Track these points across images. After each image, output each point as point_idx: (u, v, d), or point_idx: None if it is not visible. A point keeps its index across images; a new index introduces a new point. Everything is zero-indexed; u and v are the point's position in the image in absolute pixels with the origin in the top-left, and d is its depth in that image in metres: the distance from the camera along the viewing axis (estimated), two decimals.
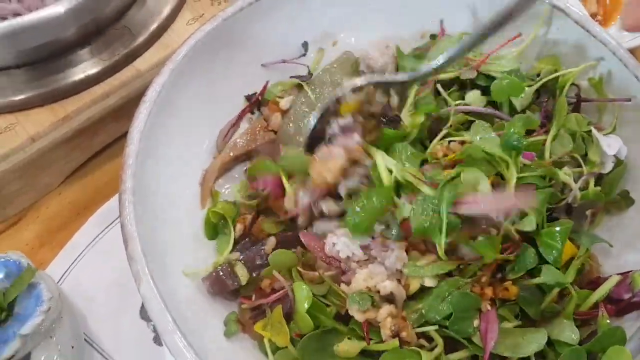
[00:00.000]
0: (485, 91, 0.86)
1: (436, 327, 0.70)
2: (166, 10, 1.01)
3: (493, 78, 0.85)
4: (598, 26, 0.84)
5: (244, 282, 0.76)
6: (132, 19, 0.99)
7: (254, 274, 0.77)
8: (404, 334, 0.69)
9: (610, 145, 0.80)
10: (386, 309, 0.70)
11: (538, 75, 0.87)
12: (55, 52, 0.93)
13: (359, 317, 0.69)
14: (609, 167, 0.81)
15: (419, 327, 0.71)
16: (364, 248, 0.73)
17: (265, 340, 0.73)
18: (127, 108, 0.94)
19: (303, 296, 0.71)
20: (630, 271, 0.74)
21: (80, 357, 0.79)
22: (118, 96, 0.96)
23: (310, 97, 0.91)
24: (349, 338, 0.71)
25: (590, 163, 0.81)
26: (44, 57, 0.93)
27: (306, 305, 0.70)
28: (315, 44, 0.99)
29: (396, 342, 0.69)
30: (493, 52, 0.88)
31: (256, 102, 0.94)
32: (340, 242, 0.73)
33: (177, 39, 1.00)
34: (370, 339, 0.70)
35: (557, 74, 0.85)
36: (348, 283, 0.73)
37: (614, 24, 1.16)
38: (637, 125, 0.82)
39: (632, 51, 0.87)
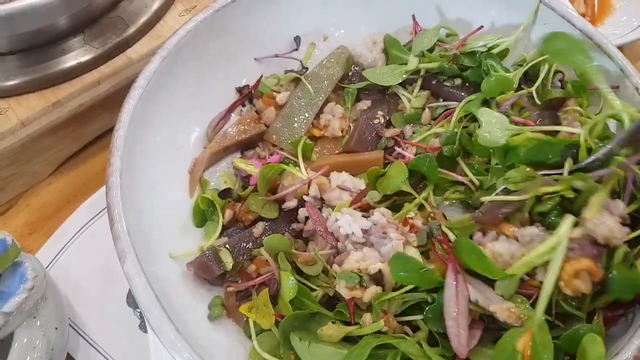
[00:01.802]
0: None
1: (421, 316, 0.69)
2: (159, 1, 1.02)
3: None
4: (582, 19, 0.85)
5: (229, 268, 0.76)
6: (125, 9, 1.00)
7: (241, 258, 0.77)
8: (385, 328, 0.68)
9: None
10: (373, 289, 0.70)
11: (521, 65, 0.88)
12: (49, 39, 0.94)
13: (345, 293, 0.69)
14: None
15: (404, 315, 0.70)
16: (364, 231, 0.73)
17: (250, 322, 0.73)
18: (118, 97, 0.93)
19: (289, 286, 0.71)
20: None
21: (64, 340, 0.79)
22: (109, 84, 0.96)
23: (310, 91, 0.91)
24: (333, 322, 0.71)
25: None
26: (38, 43, 0.93)
27: (291, 295, 0.70)
28: (307, 39, 0.99)
29: (380, 324, 0.68)
30: (465, 40, 0.90)
31: (248, 95, 0.95)
32: (343, 219, 0.73)
33: (169, 29, 1.01)
34: (356, 323, 0.70)
35: (542, 57, 0.86)
36: (340, 264, 0.72)
37: (601, 25, 1.17)
38: None
39: (620, 49, 0.87)
